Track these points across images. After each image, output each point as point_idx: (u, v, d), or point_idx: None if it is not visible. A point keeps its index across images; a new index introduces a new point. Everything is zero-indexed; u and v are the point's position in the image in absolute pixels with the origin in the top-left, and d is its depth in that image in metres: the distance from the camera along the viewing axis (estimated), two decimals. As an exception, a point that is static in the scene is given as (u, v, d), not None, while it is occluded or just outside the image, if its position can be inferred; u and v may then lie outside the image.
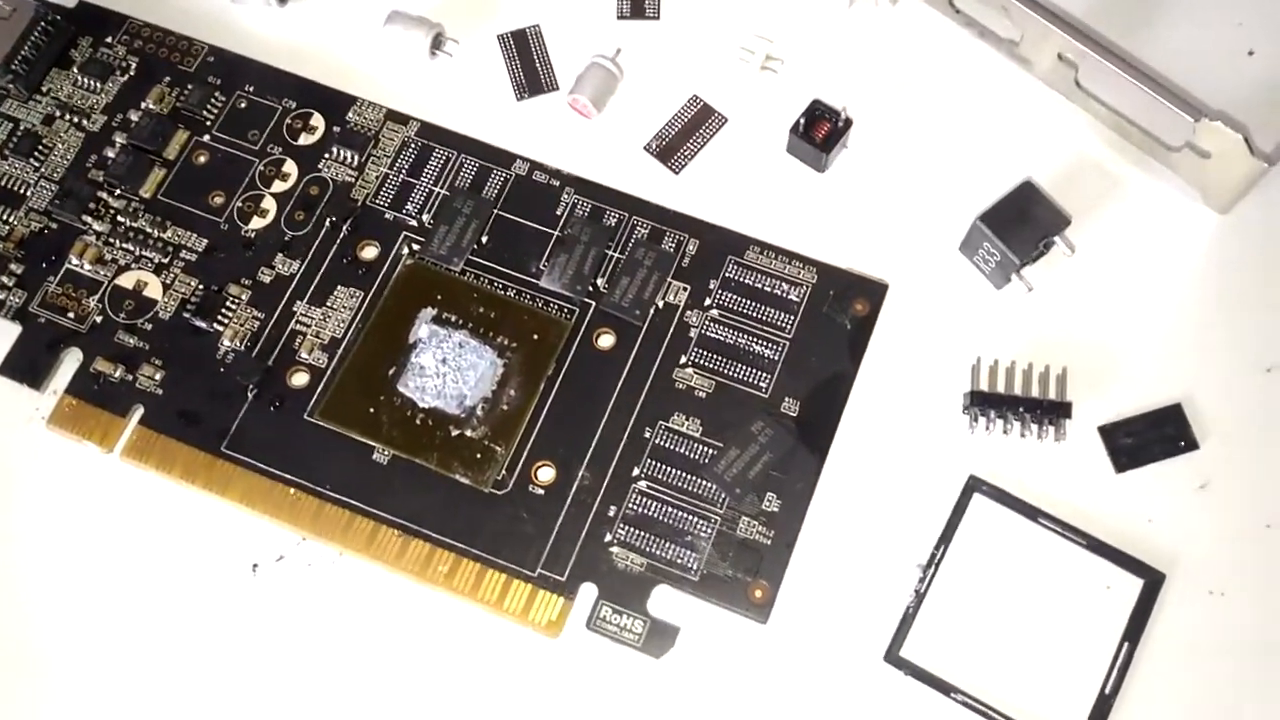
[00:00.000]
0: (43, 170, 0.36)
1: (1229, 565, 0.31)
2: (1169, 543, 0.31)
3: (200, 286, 0.34)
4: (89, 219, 0.35)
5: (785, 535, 0.31)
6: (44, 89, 0.37)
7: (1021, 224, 0.32)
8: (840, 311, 0.33)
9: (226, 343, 0.33)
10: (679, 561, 0.31)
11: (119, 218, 0.35)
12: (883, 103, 0.36)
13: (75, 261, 0.34)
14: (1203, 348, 0.33)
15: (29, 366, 0.33)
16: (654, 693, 0.30)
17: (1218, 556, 0.31)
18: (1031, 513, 0.31)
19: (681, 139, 0.36)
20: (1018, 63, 0.36)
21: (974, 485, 0.32)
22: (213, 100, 0.36)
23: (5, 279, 0.34)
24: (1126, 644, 0.30)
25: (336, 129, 0.36)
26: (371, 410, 0.32)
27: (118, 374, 0.33)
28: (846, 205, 0.35)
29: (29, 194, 0.35)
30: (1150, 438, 0.32)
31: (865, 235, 0.35)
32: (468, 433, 0.32)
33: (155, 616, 0.31)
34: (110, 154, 0.36)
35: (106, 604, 0.31)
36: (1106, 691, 0.30)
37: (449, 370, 0.33)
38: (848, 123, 0.35)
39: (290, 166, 0.35)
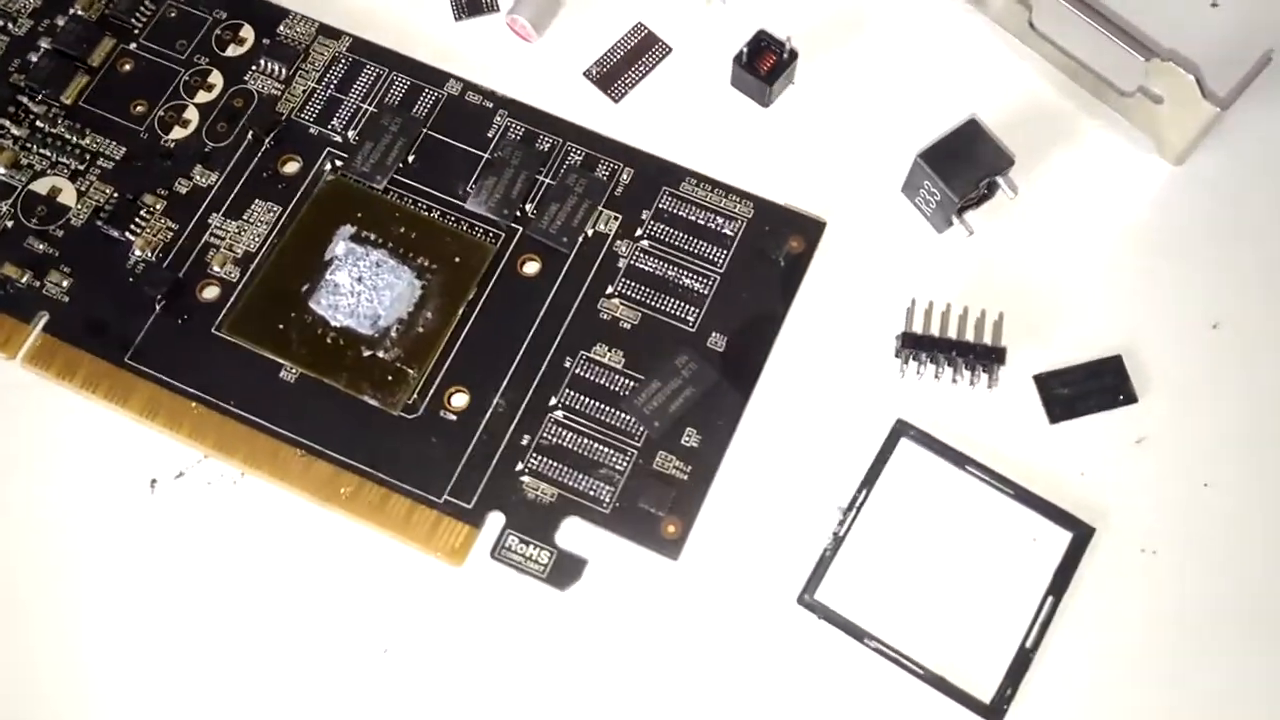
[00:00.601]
0: (-36, 72, 0.35)
1: (1162, 524, 0.30)
2: (1101, 497, 0.30)
3: (115, 195, 0.33)
4: (7, 123, 0.33)
5: (703, 472, 0.30)
6: (-29, -11, 0.36)
7: (963, 163, 0.31)
8: (775, 248, 0.32)
9: (138, 253, 0.32)
10: (591, 494, 0.29)
11: (38, 123, 0.34)
12: (831, 38, 0.35)
13: (-10, 165, 0.34)
14: (1148, 300, 0.32)
15: (-67, 269, 0.33)
16: (558, 625, 0.29)
17: (1151, 514, 0.30)
18: (959, 460, 0.30)
19: (623, 67, 0.35)
20: (970, 2, 0.35)
21: (901, 429, 0.31)
22: (141, 8, 0.35)
23: (-85, 180, 0.34)
24: (1050, 598, 0.29)
25: (266, 41, 0.34)
26: (281, 327, 0.31)
27: (24, 280, 0.32)
28: (789, 141, 0.34)
29: (-53, 95, 0.35)
30: (1088, 389, 0.31)
31: (806, 172, 0.33)
32: (380, 354, 0.31)
33: (46, 529, 0.30)
34: (34, 59, 0.35)
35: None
36: (1027, 645, 0.29)
37: (364, 289, 0.31)
38: (793, 55, 0.34)
39: (216, 78, 0.34)
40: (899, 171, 0.33)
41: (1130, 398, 0.31)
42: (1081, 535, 0.30)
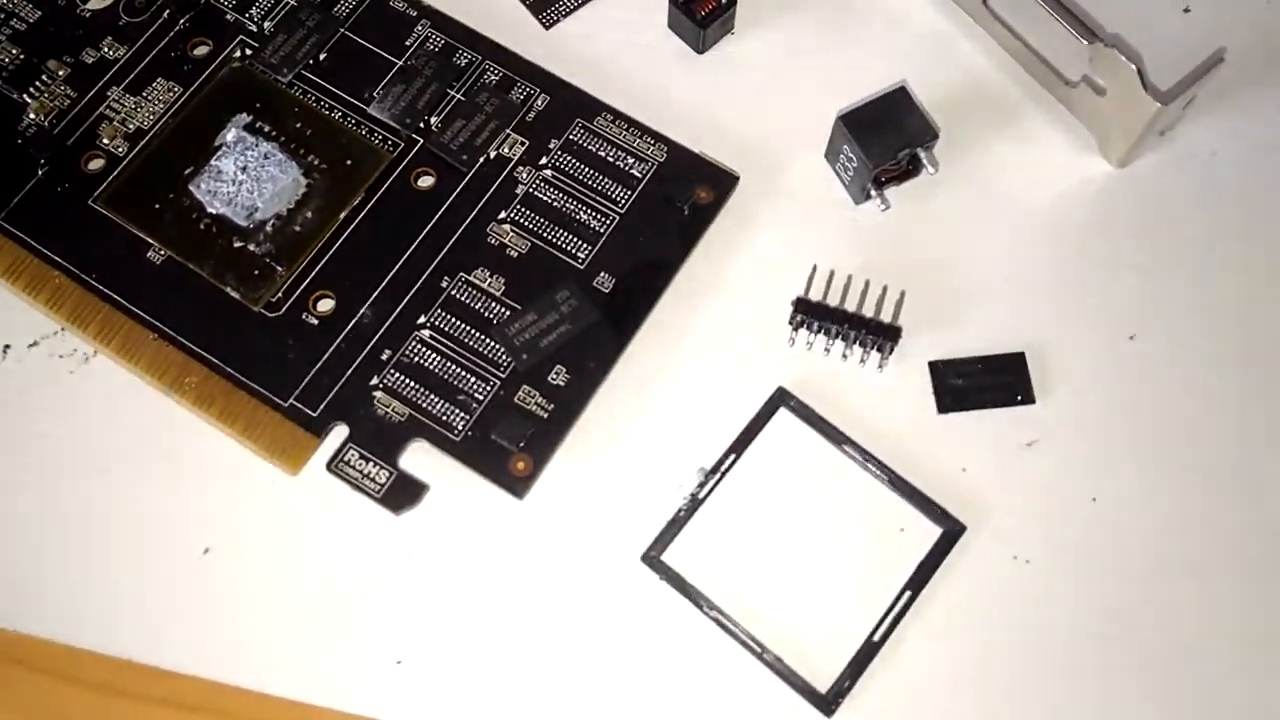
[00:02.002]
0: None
1: (1040, 533, 0.28)
2: (980, 497, 0.28)
3: (20, 55, 0.32)
4: (-77, -28, 0.33)
5: (565, 412, 0.28)
6: None
7: (885, 131, 0.30)
8: (681, 195, 0.30)
9: (31, 115, 0.31)
10: (444, 419, 0.28)
11: (-49, -24, 0.33)
12: (780, -8, 0.34)
13: (-102, 13, 0.33)
14: (1065, 301, 0.30)
15: None
16: (387, 550, 0.28)
17: (1030, 521, 0.28)
18: (837, 437, 0.29)
19: (561, -6, 0.34)
20: (930, -26, 0.34)
21: (780, 398, 0.29)
22: None
23: None
24: (908, 592, 0.27)
25: (200, -78, 0.34)
26: (157, 207, 0.30)
27: (-94, 128, 0.31)
28: (718, 90, 0.32)
29: None
30: (984, 383, 0.29)
31: (730, 124, 0.32)
32: (251, 247, 0.30)
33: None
34: (-40, -91, 0.34)
35: None
36: (874, 639, 0.27)
37: (247, 179, 0.30)
38: (732, 2, 0.32)
39: (143, -49, 0.34)
40: (824, 135, 0.31)
41: (1028, 398, 0.29)
42: (952, 532, 0.28)
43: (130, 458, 0.28)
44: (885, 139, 0.30)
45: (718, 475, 0.28)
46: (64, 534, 0.28)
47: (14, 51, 0.32)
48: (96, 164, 0.31)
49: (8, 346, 0.29)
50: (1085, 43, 0.29)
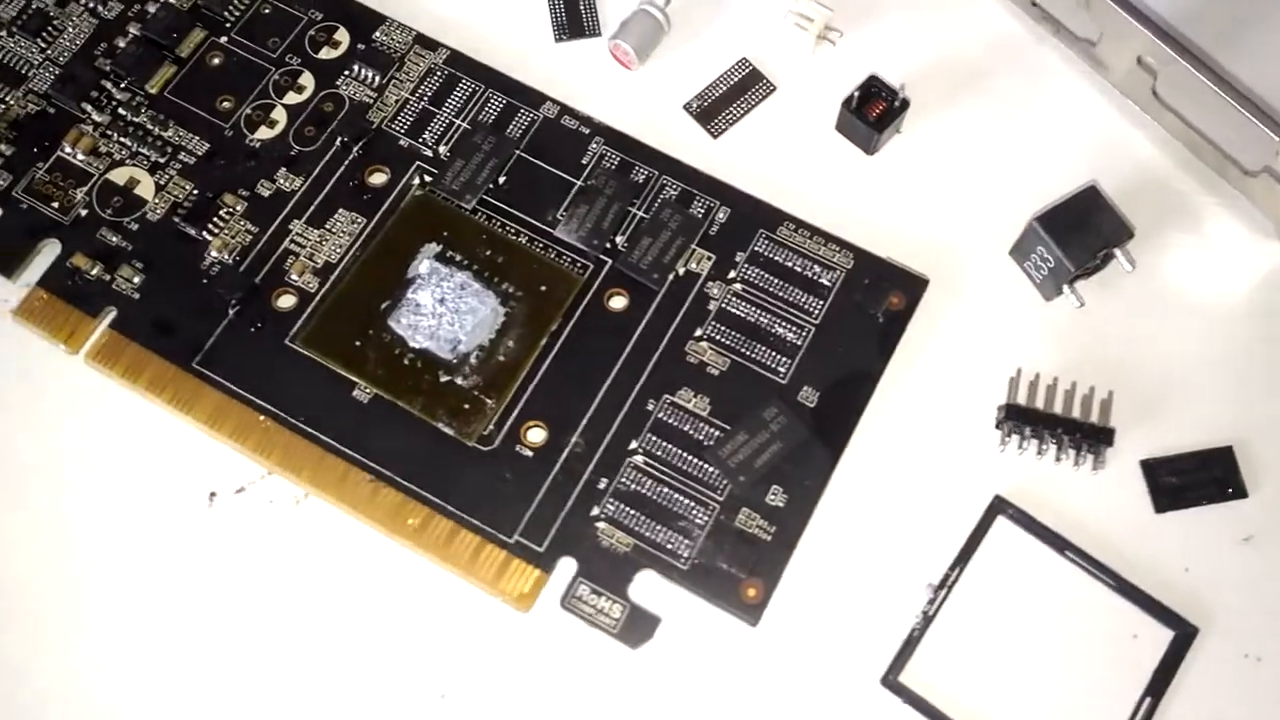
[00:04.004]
0: (49, 53, 0.33)
1: (1268, 629, 0.28)
2: (1205, 596, 0.28)
3: (195, 191, 0.32)
4: (89, 108, 0.32)
5: (787, 533, 0.28)
6: (64, -33, 0.35)
7: (1081, 231, 0.30)
8: (873, 302, 0.30)
9: (214, 253, 0.31)
10: (669, 547, 0.28)
11: (120, 110, 0.33)
12: (942, 89, 0.34)
13: (68, 150, 0.32)
14: (1266, 391, 0.30)
15: (3, 252, 0.31)
16: (625, 685, 0.27)
17: (1257, 618, 0.28)
18: (1059, 544, 0.29)
19: (725, 102, 0.34)
20: (1092, 65, 0.34)
21: (998, 506, 0.29)
22: (236, 1, 0.34)
23: (-9, 160, 0.33)
24: (1149, 699, 0.27)
25: (361, 47, 0.33)
26: (358, 344, 0.30)
27: (95, 272, 0.30)
28: (893, 192, 0.33)
29: (31, 75, 0.33)
30: (1196, 479, 0.29)
31: (910, 226, 0.32)
32: (458, 380, 0.30)
33: (99, 536, 0.29)
34: (121, 44, 0.34)
35: (48, 512, 0.29)
36: (1120, 748, 0.27)
37: (446, 311, 0.30)
38: (904, 104, 0.32)
39: (307, 79, 0.33)
40: (1006, 233, 0.32)
41: (1240, 492, 0.29)
42: (1185, 635, 0.28)
43: (354, 602, 0.28)
44: (1083, 239, 0.30)
45: (945, 589, 0.28)
46: (292, 685, 0.27)
47: (187, 187, 0.32)
48: (287, 301, 0.31)
49: (214, 494, 0.29)
50: (1275, 136, 0.29)
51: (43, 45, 0.34)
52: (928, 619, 0.28)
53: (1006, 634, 0.28)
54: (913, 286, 0.31)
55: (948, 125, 0.33)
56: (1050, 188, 0.32)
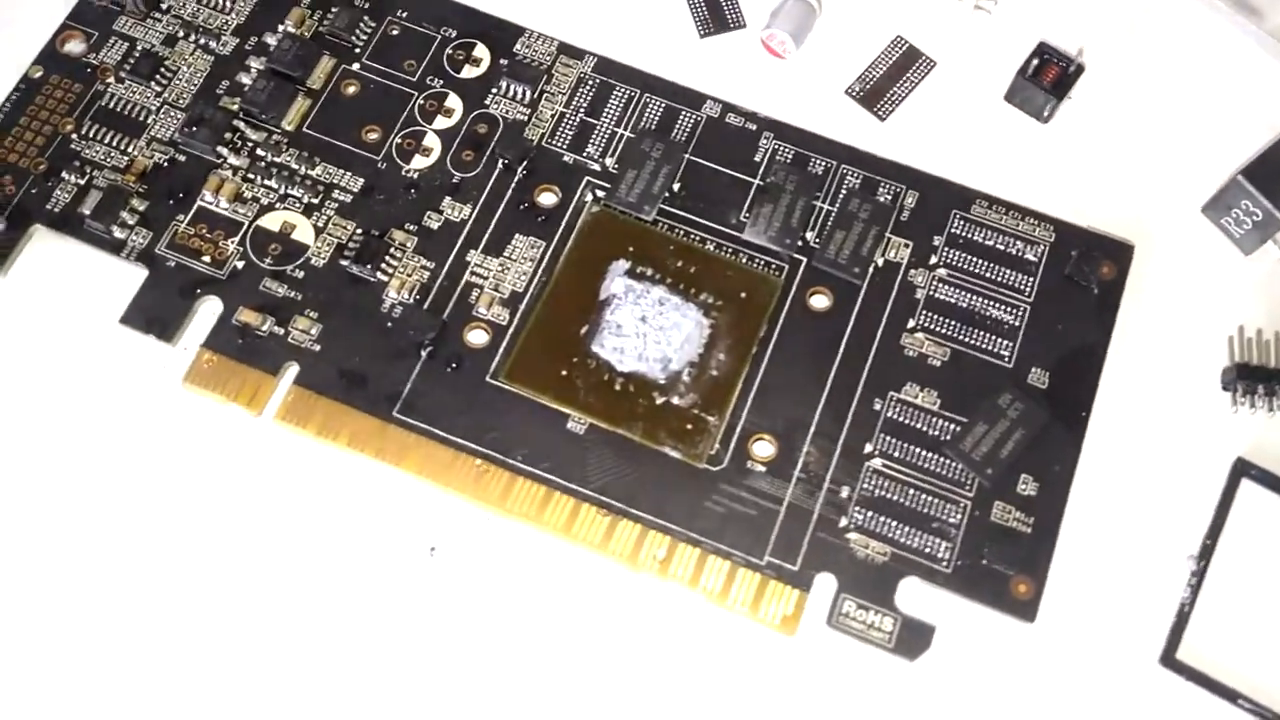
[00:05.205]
0: (166, 96, 0.31)
1: None
2: None
3: (359, 231, 0.30)
4: (225, 151, 0.30)
5: (1046, 522, 0.27)
6: (163, 5, 0.32)
7: (1290, 180, 0.30)
8: (1085, 274, 0.30)
9: (393, 294, 0.29)
10: (927, 551, 0.27)
11: (259, 151, 0.31)
12: (1105, 52, 0.33)
13: (209, 199, 0.30)
14: None
15: (158, 316, 0.29)
16: (908, 699, 0.26)
17: None
18: (1309, 500, 0.29)
19: (887, 83, 0.33)
20: (1248, 16, 0.33)
21: (1242, 469, 0.28)
22: (361, 25, 0.32)
23: (126, 216, 0.30)
24: None
25: (504, 62, 0.32)
26: (564, 373, 0.28)
27: (266, 327, 0.28)
28: (1073, 159, 0.32)
29: (151, 122, 0.31)
30: None
31: (1096, 192, 0.31)
32: (674, 400, 0.28)
33: (322, 604, 0.27)
34: (245, 80, 0.32)
35: (264, 590, 0.27)
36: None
37: (649, 330, 0.29)
38: (1079, 69, 0.32)
39: (454, 101, 0.31)
40: (1193, 190, 0.31)
41: None
42: None
43: (607, 642, 0.26)
44: (1293, 190, 0.29)
45: (1204, 559, 0.28)
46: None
47: (348, 226, 0.30)
48: (479, 337, 0.29)
49: (433, 548, 0.28)
50: None
51: (158, 89, 0.31)
52: (1194, 591, 0.27)
53: (1271, 597, 0.28)
54: (1120, 253, 0.30)
55: (1112, 87, 0.32)
56: (1228, 143, 0.31)
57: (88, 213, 0.30)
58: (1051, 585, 0.27)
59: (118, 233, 0.29)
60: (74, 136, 0.31)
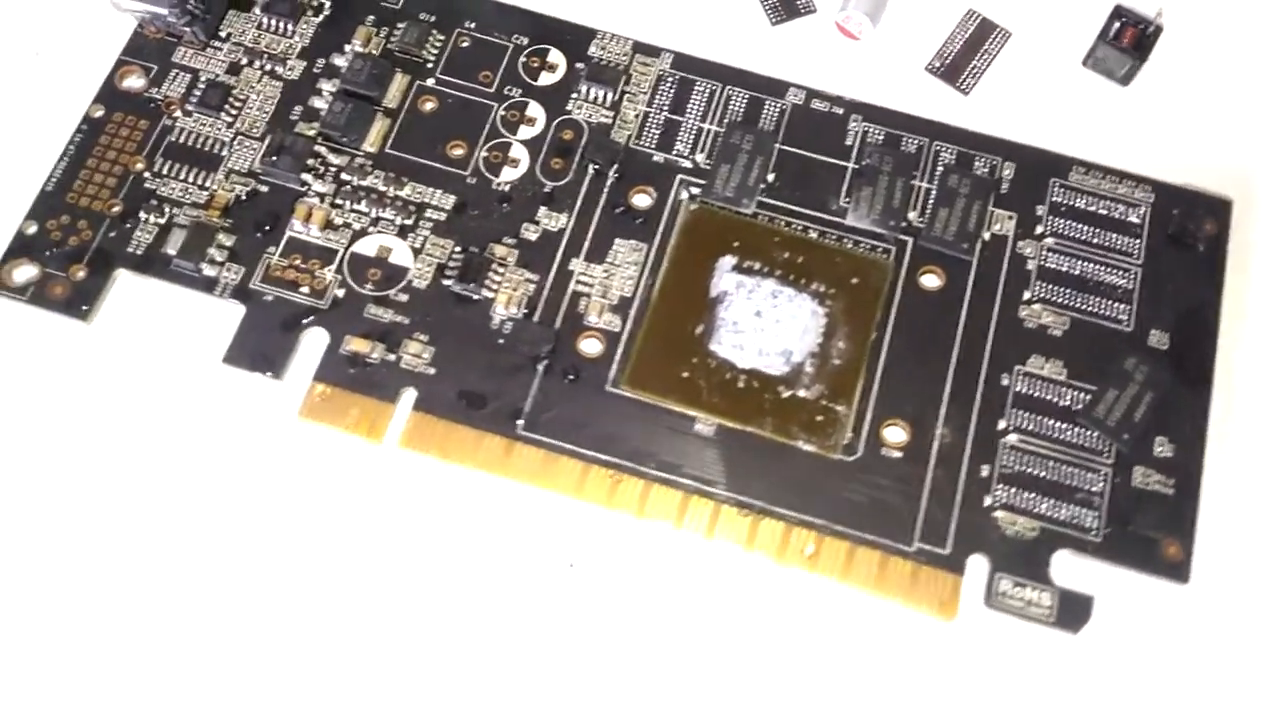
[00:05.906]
0: (238, 125, 0.30)
1: None
2: None
3: (458, 249, 0.29)
4: (309, 178, 0.30)
5: (1188, 482, 0.27)
6: (223, 33, 0.32)
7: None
8: (1190, 232, 0.29)
9: (501, 310, 0.28)
10: (1075, 522, 0.26)
11: (343, 175, 0.30)
12: (1182, 12, 0.33)
13: (299, 228, 0.29)
14: None
15: (263, 352, 0.28)
16: (1074, 671, 0.26)
17: None
18: None
19: (965, 56, 0.32)
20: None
21: (1370, 413, 0.29)
22: (430, 39, 0.32)
23: (214, 252, 0.29)
24: None
25: (580, 66, 0.31)
26: (685, 375, 0.28)
27: (376, 354, 0.28)
28: (1156, 120, 0.31)
29: (225, 153, 0.31)
30: None
31: (1183, 151, 0.31)
32: (800, 393, 0.28)
33: (469, 627, 0.26)
34: (319, 104, 0.31)
35: (412, 617, 0.26)
36: None
37: (766, 324, 0.28)
38: (1157, 30, 0.32)
39: (535, 110, 0.31)
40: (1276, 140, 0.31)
41: None
42: None
43: (767, 640, 0.26)
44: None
45: (1342, 506, 0.28)
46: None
47: (445, 245, 0.29)
48: (593, 346, 0.28)
49: (572, 564, 0.27)
50: None
51: (229, 119, 0.31)
52: (1341, 541, 0.28)
53: None
54: (1219, 210, 0.30)
55: (1188, 45, 0.32)
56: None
57: (174, 252, 0.29)
58: (1200, 545, 0.27)
59: (208, 270, 0.29)
60: (146, 175, 0.30)
